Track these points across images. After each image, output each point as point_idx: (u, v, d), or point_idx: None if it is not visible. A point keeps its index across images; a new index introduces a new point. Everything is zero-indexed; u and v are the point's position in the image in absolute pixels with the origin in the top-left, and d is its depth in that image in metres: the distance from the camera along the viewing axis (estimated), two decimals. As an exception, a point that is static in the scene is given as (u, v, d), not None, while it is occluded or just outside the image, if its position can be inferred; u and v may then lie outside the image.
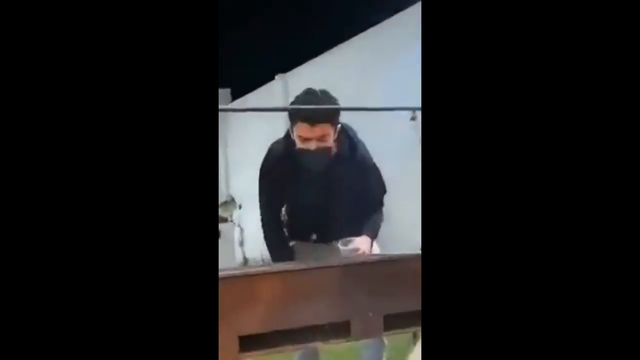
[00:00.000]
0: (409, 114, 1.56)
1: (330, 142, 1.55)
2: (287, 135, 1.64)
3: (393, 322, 1.25)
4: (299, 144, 1.54)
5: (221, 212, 5.15)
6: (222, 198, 5.34)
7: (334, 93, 1.60)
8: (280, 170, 1.64)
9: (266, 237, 1.74)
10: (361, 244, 1.57)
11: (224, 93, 6.95)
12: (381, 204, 1.76)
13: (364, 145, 1.69)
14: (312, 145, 1.52)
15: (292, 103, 1.59)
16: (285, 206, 1.76)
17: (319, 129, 1.50)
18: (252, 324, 1.19)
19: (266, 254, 1.76)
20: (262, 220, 1.74)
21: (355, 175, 1.65)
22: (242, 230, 5.47)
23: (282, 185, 1.66)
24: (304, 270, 1.37)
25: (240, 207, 5.37)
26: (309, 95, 1.55)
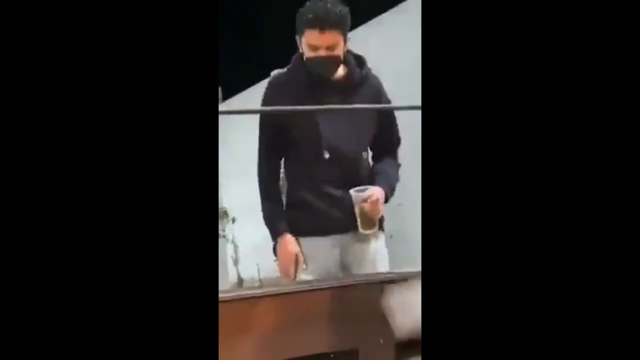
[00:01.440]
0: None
1: (341, 51, 1.50)
2: (293, 61, 1.59)
3: (406, 352, 1.18)
4: (308, 53, 1.49)
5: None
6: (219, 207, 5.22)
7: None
8: (287, 92, 1.54)
9: (264, 206, 1.63)
10: (375, 191, 1.50)
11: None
12: (396, 156, 1.68)
13: (376, 77, 1.63)
14: (322, 52, 1.48)
15: (300, 11, 1.54)
16: (283, 169, 1.65)
17: (328, 36, 1.46)
18: (248, 354, 1.14)
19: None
20: (260, 182, 1.64)
21: (368, 99, 1.59)
22: (236, 247, 5.01)
23: (285, 121, 1.56)
24: (307, 291, 1.32)
25: (233, 220, 4.93)
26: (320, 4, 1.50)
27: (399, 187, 1.65)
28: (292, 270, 1.52)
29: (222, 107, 6.03)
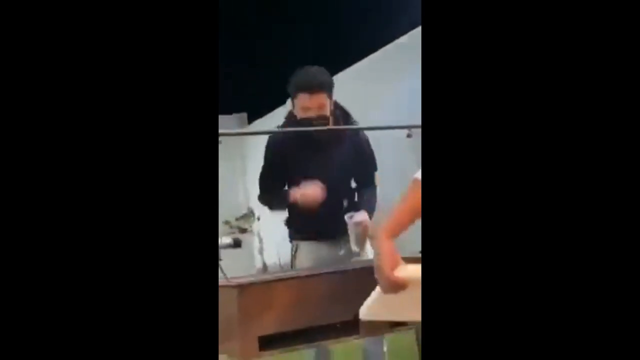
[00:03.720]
0: (404, 132, 1.66)
1: (327, 111, 1.71)
2: (287, 116, 1.84)
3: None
4: (300, 115, 1.72)
5: (241, 224, 5.55)
6: (242, 211, 5.82)
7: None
8: (284, 140, 1.82)
9: (262, 191, 1.92)
10: (362, 216, 1.70)
11: (241, 117, 7.25)
12: (373, 182, 1.92)
13: (356, 121, 1.87)
14: (312, 113, 1.69)
15: (291, 77, 1.78)
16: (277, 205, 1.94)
17: (316, 98, 1.68)
18: (271, 326, 1.31)
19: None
20: (262, 175, 1.90)
21: (350, 146, 1.82)
22: (261, 239, 5.71)
23: (285, 156, 1.82)
24: (318, 275, 1.50)
25: (258, 218, 5.58)
26: (305, 69, 1.75)
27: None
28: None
29: (247, 129, 6.46)
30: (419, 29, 4.56)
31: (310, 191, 1.71)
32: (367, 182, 1.90)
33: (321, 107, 1.68)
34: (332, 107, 1.73)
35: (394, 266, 1.06)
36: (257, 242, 5.73)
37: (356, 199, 1.89)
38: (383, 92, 4.25)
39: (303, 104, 1.69)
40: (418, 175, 1.07)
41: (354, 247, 1.71)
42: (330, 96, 1.72)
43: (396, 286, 1.04)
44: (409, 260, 1.15)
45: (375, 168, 1.89)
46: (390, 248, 1.07)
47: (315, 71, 1.72)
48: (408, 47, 4.09)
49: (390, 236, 1.09)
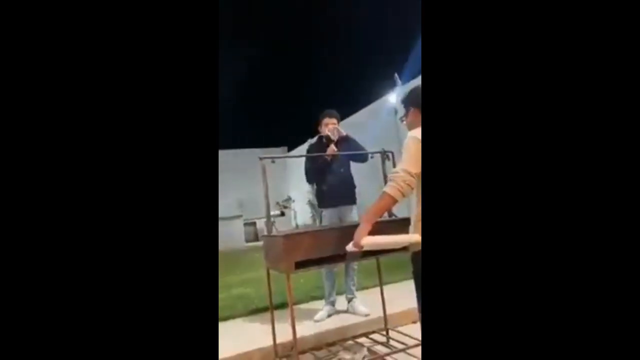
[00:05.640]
0: (378, 156, 2.68)
1: (338, 126, 3.07)
2: (317, 136, 3.19)
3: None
4: (324, 129, 3.08)
5: (285, 204, 9.70)
6: (284, 197, 10.55)
7: None
8: (317, 147, 3.12)
9: (308, 178, 3.17)
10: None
11: (283, 149, 12.59)
12: (354, 186, 3.22)
13: (354, 139, 3.11)
14: (331, 128, 3.02)
15: (321, 113, 3.17)
16: (314, 184, 3.18)
17: (333, 121, 3.09)
18: (301, 256, 1.96)
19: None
20: (305, 170, 3.15)
21: (351, 156, 2.99)
22: (295, 212, 10.16)
23: (316, 158, 3.05)
24: (328, 229, 2.14)
25: (293, 201, 10.23)
26: (329, 110, 3.14)
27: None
28: None
29: (289, 153, 11.26)
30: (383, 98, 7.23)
31: (332, 147, 3.00)
32: (363, 160, 3.03)
33: (334, 123, 3.09)
34: (339, 128, 2.94)
35: (362, 237, 1.56)
36: (293, 214, 10.25)
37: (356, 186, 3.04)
38: (365, 129, 6.11)
39: (326, 123, 3.09)
40: (386, 188, 1.49)
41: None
42: (338, 122, 3.14)
43: (357, 246, 1.58)
44: (379, 224, 1.63)
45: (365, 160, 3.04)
46: (365, 228, 1.55)
47: (333, 111, 3.15)
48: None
49: (368, 221, 1.57)
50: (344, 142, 3.04)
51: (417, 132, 1.50)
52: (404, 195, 1.52)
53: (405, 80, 6.19)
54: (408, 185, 1.49)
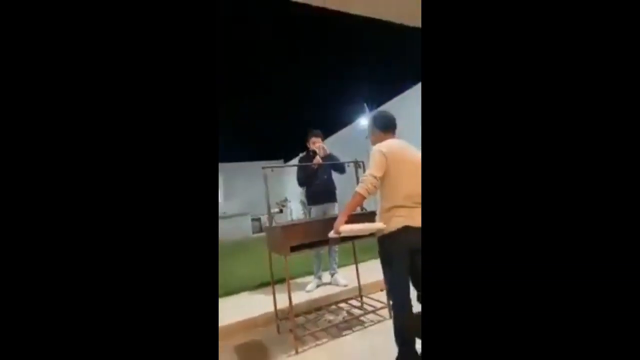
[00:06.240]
0: (352, 165, 2.80)
1: (322, 144, 3.11)
2: (306, 151, 3.15)
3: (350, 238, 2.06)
4: (312, 146, 3.11)
5: (282, 203, 10.34)
6: (282, 198, 10.70)
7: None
8: (306, 159, 3.11)
9: (299, 183, 3.19)
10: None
11: (279, 161, 12.25)
12: (335, 188, 3.26)
13: (335, 156, 3.17)
14: (317, 145, 3.07)
15: (308, 133, 3.15)
16: (305, 187, 3.21)
17: (318, 140, 3.12)
18: (295, 241, 1.99)
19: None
20: (297, 177, 3.19)
21: (332, 166, 3.09)
22: (290, 209, 10.65)
23: (305, 167, 3.10)
24: (315, 221, 2.14)
25: (289, 201, 10.49)
26: (315, 130, 3.16)
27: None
28: None
29: (285, 164, 10.38)
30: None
31: (317, 159, 3.04)
32: (341, 171, 3.16)
33: (319, 142, 3.13)
34: (324, 146, 3.11)
35: (340, 226, 1.60)
36: (289, 211, 10.34)
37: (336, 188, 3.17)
38: (342, 146, 6.44)
39: (313, 142, 3.14)
40: (357, 188, 1.52)
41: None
42: (322, 139, 3.20)
43: (337, 233, 1.61)
44: (355, 216, 1.81)
45: (344, 170, 3.15)
46: (342, 220, 1.60)
47: (318, 131, 3.18)
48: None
49: (344, 214, 1.61)
50: (327, 157, 3.14)
51: (380, 145, 1.59)
52: (369, 193, 1.56)
53: (371, 108, 6.37)
54: (374, 186, 1.54)
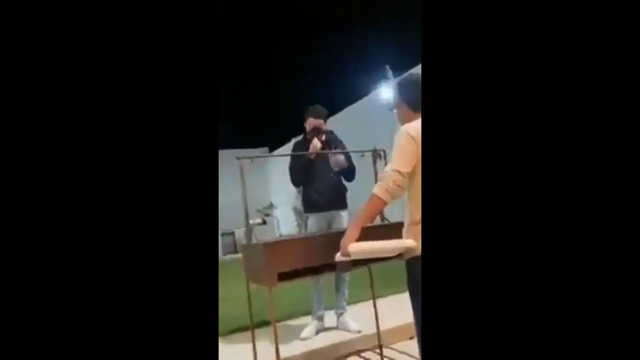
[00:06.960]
0: (368, 155, 2.52)
1: (323, 126, 2.86)
2: (303, 134, 2.93)
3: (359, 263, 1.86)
4: (309, 128, 2.85)
5: (266, 211, 9.45)
6: (267, 202, 10.00)
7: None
8: (302, 145, 2.90)
9: (292, 179, 2.95)
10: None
11: (263, 151, 12.32)
12: (353, 178, 2.93)
13: (341, 141, 2.98)
14: (315, 128, 2.83)
15: (307, 109, 2.94)
16: (300, 188, 2.97)
17: (318, 121, 2.85)
18: (285, 266, 1.87)
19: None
20: (290, 169, 2.94)
21: (335, 155, 2.81)
22: (278, 220, 9.88)
23: (300, 158, 2.85)
24: (315, 236, 2.11)
25: (276, 208, 9.81)
26: (313, 105, 2.91)
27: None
28: None
29: (271, 153, 10.58)
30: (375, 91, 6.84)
31: (314, 143, 2.82)
32: (349, 178, 2.87)
33: (319, 124, 2.86)
34: (326, 129, 2.80)
35: (349, 243, 1.51)
36: (276, 221, 9.84)
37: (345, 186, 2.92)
38: (355, 127, 6.06)
39: (311, 123, 2.87)
40: (374, 190, 1.48)
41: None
42: (325, 121, 2.90)
43: (344, 254, 1.53)
44: (372, 229, 1.64)
45: (353, 168, 2.83)
46: (353, 234, 1.50)
47: (319, 107, 2.92)
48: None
49: (355, 227, 1.52)
50: (327, 144, 2.86)
51: (408, 127, 1.45)
52: (392, 197, 1.48)
53: (398, 72, 5.90)
54: (398, 186, 1.45)
